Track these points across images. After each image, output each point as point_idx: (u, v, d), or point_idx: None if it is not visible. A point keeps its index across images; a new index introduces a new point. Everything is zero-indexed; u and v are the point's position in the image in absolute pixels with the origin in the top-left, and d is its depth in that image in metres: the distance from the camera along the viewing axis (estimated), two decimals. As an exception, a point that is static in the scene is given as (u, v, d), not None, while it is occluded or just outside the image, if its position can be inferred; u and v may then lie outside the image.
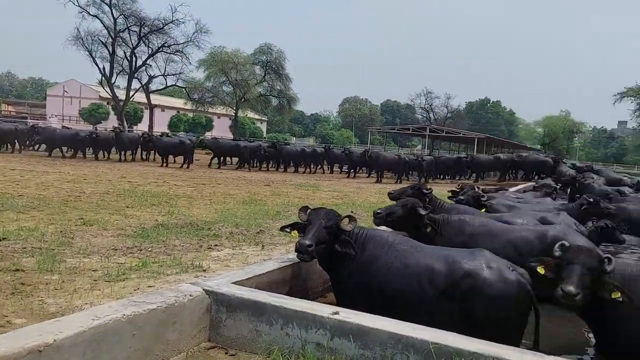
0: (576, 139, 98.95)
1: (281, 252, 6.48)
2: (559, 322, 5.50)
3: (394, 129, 70.00)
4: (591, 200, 9.61)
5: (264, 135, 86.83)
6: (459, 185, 10.61)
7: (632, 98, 63.09)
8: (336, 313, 3.71)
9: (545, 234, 6.27)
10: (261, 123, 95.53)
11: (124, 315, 3.34)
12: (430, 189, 8.40)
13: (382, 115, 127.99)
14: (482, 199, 9.09)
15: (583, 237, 6.39)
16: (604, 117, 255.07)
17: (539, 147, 79.35)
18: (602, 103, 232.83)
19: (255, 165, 28.95)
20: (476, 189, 9.83)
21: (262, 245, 7.30)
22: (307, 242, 4.50)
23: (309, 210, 4.96)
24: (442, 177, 31.38)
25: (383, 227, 6.54)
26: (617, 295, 4.21)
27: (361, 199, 15.40)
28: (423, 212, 6.25)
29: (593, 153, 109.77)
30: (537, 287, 4.41)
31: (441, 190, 14.45)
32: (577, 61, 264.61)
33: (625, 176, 29.34)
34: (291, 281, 5.13)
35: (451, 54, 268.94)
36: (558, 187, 18.55)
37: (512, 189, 16.24)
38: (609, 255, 4.47)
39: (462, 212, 7.47)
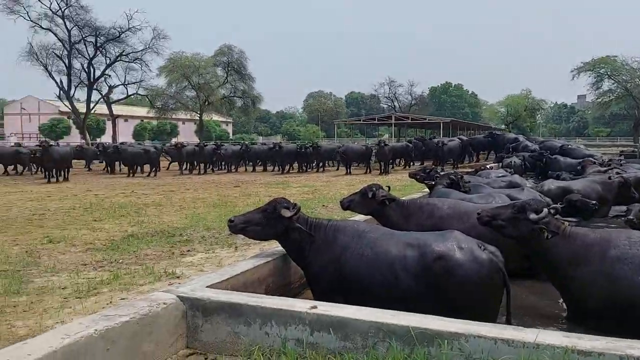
0: (538, 116, 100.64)
1: (255, 251, 6.41)
2: (527, 295, 5.57)
3: (360, 120, 69.97)
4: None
5: (231, 137, 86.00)
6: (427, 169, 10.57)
7: (589, 72, 64.36)
8: (314, 307, 3.66)
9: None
10: (227, 125, 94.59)
11: (96, 330, 3.22)
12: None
13: (347, 107, 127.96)
14: (462, 181, 8.96)
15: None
16: (563, 92, 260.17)
17: (503, 126, 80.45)
18: (561, 79, 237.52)
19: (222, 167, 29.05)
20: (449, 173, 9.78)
21: (236, 247, 7.23)
22: (231, 218, 5.14)
23: None
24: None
25: (361, 217, 6.62)
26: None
27: (332, 192, 15.40)
28: (380, 197, 6.33)
29: (556, 128, 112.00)
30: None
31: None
32: (534, 39, 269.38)
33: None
34: (267, 280, 5.06)
35: (412, 40, 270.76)
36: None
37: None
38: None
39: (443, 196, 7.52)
